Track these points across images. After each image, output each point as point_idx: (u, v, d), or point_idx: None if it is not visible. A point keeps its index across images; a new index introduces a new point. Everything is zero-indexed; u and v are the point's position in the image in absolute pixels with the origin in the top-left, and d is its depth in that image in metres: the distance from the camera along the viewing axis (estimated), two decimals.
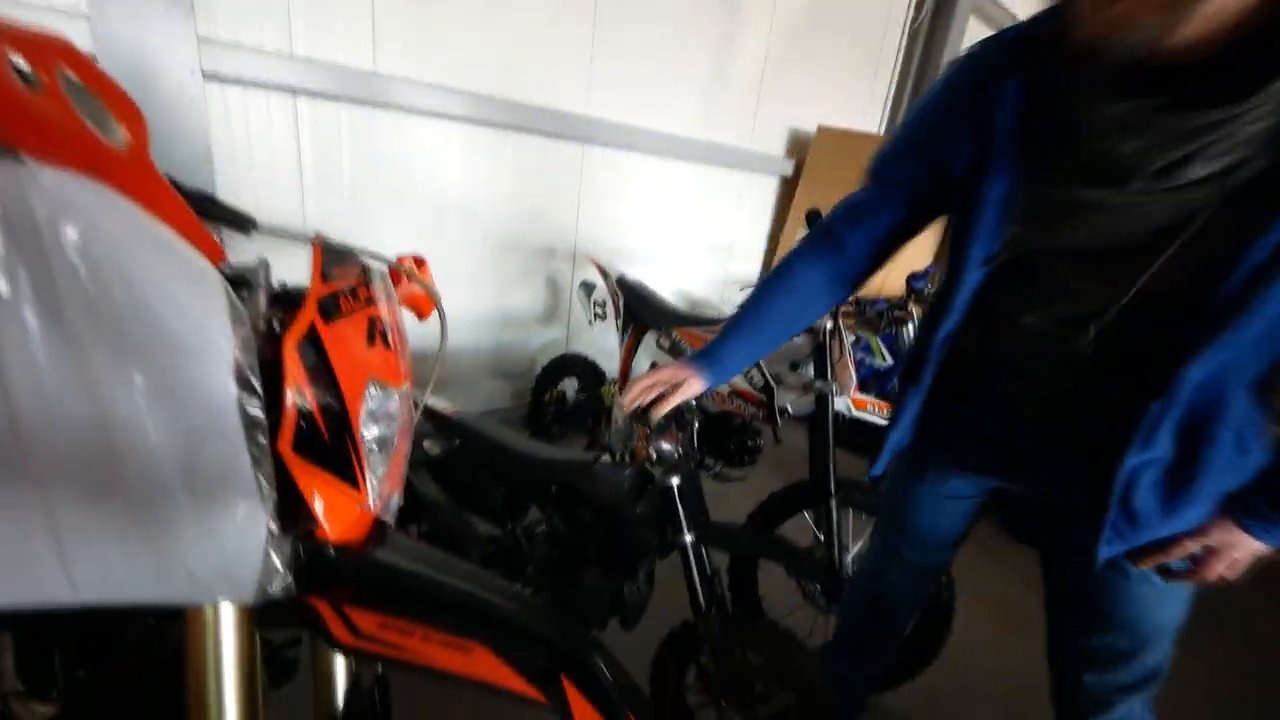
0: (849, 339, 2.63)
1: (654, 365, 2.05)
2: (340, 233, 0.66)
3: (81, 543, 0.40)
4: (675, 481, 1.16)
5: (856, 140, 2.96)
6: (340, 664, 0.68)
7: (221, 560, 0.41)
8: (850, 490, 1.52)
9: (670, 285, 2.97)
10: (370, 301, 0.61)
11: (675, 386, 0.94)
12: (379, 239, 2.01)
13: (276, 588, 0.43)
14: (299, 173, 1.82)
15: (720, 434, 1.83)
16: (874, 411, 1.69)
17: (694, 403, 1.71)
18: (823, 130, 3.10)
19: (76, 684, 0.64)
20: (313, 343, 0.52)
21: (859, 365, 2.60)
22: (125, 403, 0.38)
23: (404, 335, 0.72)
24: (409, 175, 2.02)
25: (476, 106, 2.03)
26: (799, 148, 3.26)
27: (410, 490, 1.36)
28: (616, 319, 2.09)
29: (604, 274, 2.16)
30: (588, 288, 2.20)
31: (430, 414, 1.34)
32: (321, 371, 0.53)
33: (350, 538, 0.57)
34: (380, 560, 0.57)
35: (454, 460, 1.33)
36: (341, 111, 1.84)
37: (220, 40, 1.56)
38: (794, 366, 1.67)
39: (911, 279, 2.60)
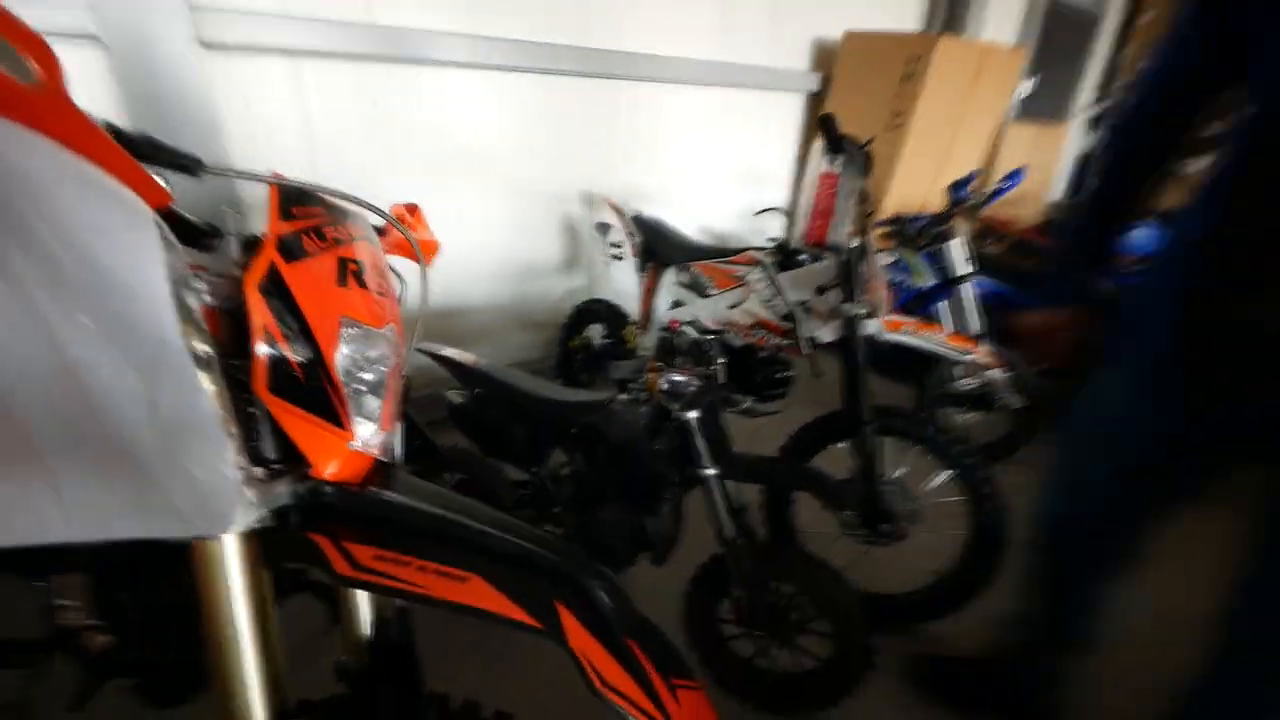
0: (884, 259, 2.49)
1: (675, 304, 2.01)
2: (355, 192, 0.65)
3: (72, 484, 0.42)
4: (692, 416, 1.14)
5: (889, 42, 2.69)
6: (365, 595, 0.72)
7: (197, 495, 0.43)
8: (887, 418, 1.46)
9: (694, 221, 2.87)
10: (339, 242, 0.60)
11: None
12: (394, 198, 2.01)
13: (247, 521, 0.44)
14: (309, 136, 1.83)
15: (747, 368, 1.80)
16: (911, 334, 1.60)
17: (712, 336, 1.66)
18: (851, 36, 2.84)
19: (132, 615, 0.70)
20: (279, 284, 0.52)
21: (898, 288, 2.47)
22: (78, 343, 0.38)
23: (388, 278, 0.71)
24: (416, 129, 1.99)
25: (475, 50, 1.96)
26: (826, 60, 3.01)
27: (435, 440, 1.41)
28: (634, 258, 2.04)
29: (619, 213, 2.11)
30: (603, 228, 2.15)
31: (452, 364, 1.36)
32: (292, 313, 0.53)
33: (347, 476, 0.58)
34: (372, 496, 0.58)
35: (477, 408, 1.36)
36: (343, 69, 1.81)
37: (214, 7, 1.55)
38: (820, 291, 1.59)
39: (954, 188, 2.41)
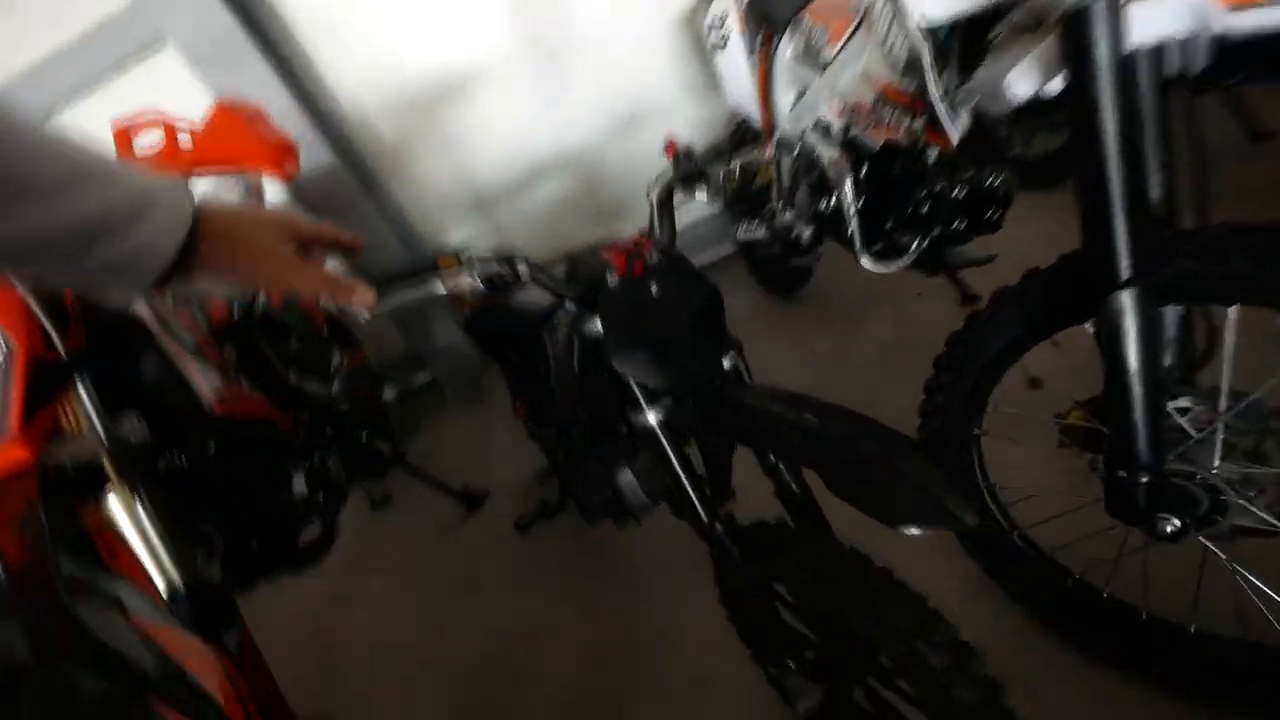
0: None
1: (800, 96, 1.22)
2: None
3: None
4: (596, 328, 0.67)
5: None
6: None
7: None
8: (1182, 263, 0.58)
9: None
10: None
11: None
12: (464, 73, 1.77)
13: None
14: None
15: (905, 183, 1.00)
16: None
17: (695, 157, 1.04)
18: None
19: None
20: None
21: None
22: None
23: None
24: None
25: None
26: None
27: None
28: (742, 35, 1.31)
29: None
30: (702, 5, 1.43)
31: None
32: None
33: None
34: None
35: (478, 320, 1.14)
36: None
37: None
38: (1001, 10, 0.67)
39: None
